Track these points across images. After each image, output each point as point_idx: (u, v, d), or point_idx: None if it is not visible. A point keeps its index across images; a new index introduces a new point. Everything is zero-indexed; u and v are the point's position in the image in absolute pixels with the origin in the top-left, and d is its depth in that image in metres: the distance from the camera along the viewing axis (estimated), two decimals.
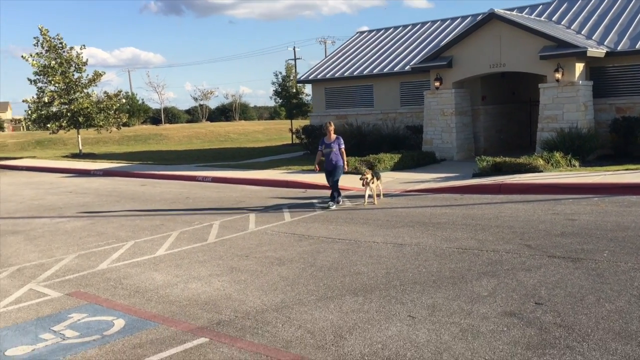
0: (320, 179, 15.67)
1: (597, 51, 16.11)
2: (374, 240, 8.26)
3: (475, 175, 13.80)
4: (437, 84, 18.81)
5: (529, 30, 16.55)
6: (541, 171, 13.24)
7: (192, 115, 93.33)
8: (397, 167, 16.67)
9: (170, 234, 9.82)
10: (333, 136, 11.52)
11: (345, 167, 11.66)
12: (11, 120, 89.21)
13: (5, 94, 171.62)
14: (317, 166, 12.14)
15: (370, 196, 11.58)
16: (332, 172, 11.45)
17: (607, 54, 16.41)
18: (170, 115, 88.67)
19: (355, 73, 22.95)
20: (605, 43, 17.00)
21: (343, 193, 12.32)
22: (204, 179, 18.11)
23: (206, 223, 10.62)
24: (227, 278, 6.85)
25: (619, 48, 16.54)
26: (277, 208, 11.84)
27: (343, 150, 11.49)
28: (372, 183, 11.31)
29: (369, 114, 22.76)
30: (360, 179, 11.40)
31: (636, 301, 5.08)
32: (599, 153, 16.02)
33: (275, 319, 5.35)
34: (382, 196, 12.09)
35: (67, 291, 6.73)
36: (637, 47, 16.15)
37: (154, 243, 9.15)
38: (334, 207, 11.31)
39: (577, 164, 14.35)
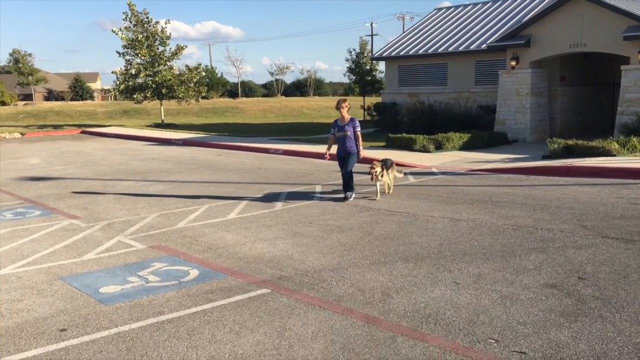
0: (387, 154, 15.98)
1: None
2: (432, 215, 8.59)
3: (544, 157, 13.64)
4: (513, 63, 18.46)
5: (613, 9, 15.88)
6: (614, 155, 12.90)
7: (268, 90, 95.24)
8: (465, 147, 16.67)
9: (242, 200, 10.56)
10: (347, 117, 9.93)
11: (361, 153, 10.05)
12: (101, 90, 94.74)
13: (94, 65, 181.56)
14: (328, 153, 10.38)
15: (382, 187, 10.30)
16: (345, 160, 9.97)
17: None
18: (247, 89, 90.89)
19: (430, 51, 22.82)
20: None
21: (411, 170, 12.45)
22: (276, 152, 18.87)
23: (275, 192, 11.28)
24: (290, 241, 7.45)
25: None
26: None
27: (359, 133, 9.96)
28: (383, 176, 10.03)
29: (442, 93, 22.64)
30: (369, 172, 9.96)
31: None
32: None
33: (331, 277, 5.87)
34: (392, 188, 10.55)
35: (150, 244, 7.57)
36: None
37: (226, 208, 9.90)
38: (351, 198, 10.02)
39: None
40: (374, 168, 9.81)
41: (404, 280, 5.68)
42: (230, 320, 4.85)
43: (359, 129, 9.96)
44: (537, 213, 8.33)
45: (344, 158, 9.98)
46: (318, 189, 11.51)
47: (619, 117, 15.93)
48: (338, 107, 9.98)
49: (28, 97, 74.14)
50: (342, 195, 10.22)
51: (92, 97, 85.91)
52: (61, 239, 7.92)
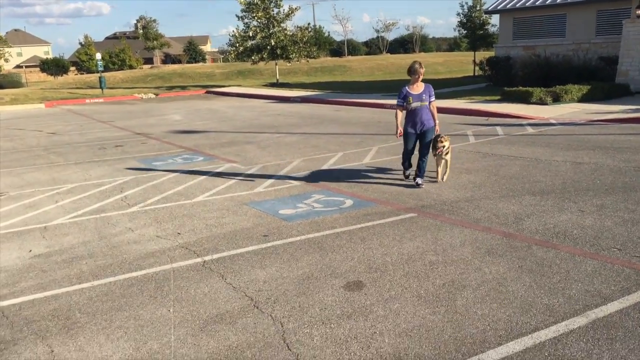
0: (503, 107, 16.48)
1: None
2: (553, 159, 9.33)
3: None
4: (638, 11, 17.87)
5: None
6: None
7: (370, 48, 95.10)
8: (584, 99, 16.69)
9: (371, 148, 11.80)
10: (421, 84, 8.05)
11: (437, 128, 8.29)
12: (217, 51, 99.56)
13: (202, 28, 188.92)
14: (400, 129, 8.27)
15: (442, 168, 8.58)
16: (423, 137, 8.16)
17: None
18: (350, 48, 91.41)
19: (548, 1, 22.40)
20: None
21: (528, 122, 12.91)
22: (391, 107, 19.84)
23: (399, 142, 12.38)
24: (421, 181, 8.59)
25: None
26: (462, 132, 13.18)
27: (435, 104, 8.20)
28: (448, 154, 8.40)
29: (559, 45, 22.25)
30: (437, 147, 8.20)
31: None
32: None
33: (467, 206, 6.97)
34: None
35: (305, 181, 9.04)
36: None
37: (359, 154, 11.19)
38: (422, 184, 8.25)
39: None
40: (442, 142, 8.17)
41: (533, 208, 6.66)
42: (390, 232, 6.14)
43: (434, 98, 8.20)
44: None
45: (423, 134, 8.13)
46: None
47: None
48: (414, 72, 7.95)
49: (149, 61, 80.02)
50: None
51: (204, 60, 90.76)
52: (231, 177, 9.62)
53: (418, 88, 8.06)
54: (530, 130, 12.82)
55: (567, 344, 3.62)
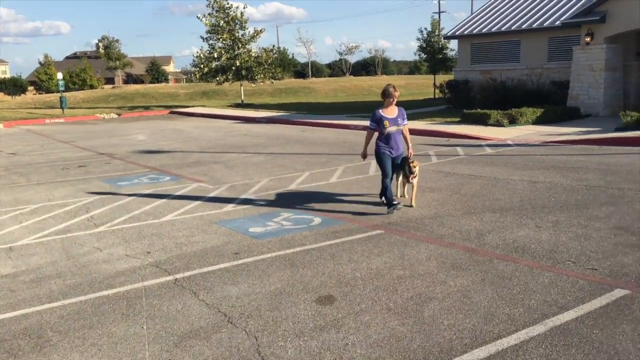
0: (463, 129, 17.04)
1: None
2: (511, 178, 9.74)
3: (617, 130, 14.30)
4: (587, 39, 18.87)
5: None
6: None
7: (333, 70, 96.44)
8: (538, 121, 17.43)
9: (337, 168, 12.03)
10: (395, 108, 7.82)
11: (411, 151, 8.15)
12: (179, 72, 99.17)
13: (164, 49, 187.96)
14: (366, 152, 8.24)
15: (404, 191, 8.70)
16: (395, 162, 8.00)
17: None
18: (314, 70, 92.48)
19: (503, 28, 23.37)
20: None
21: (487, 142, 13.36)
22: (355, 128, 20.25)
23: (365, 161, 12.62)
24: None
25: None
26: (425, 152, 13.58)
27: (407, 127, 8.01)
28: (415, 178, 8.14)
29: (514, 70, 23.19)
30: (412, 172, 8.02)
31: None
32: None
33: (431, 222, 7.24)
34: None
35: (273, 200, 9.16)
36: None
37: (326, 174, 11.40)
38: (396, 209, 7.86)
39: None
40: (415, 166, 8.04)
41: (493, 224, 6.97)
42: (359, 249, 6.33)
43: (407, 121, 7.98)
44: (608, 176, 9.33)
45: (395, 159, 7.95)
46: None
47: None
48: (389, 95, 7.73)
49: (110, 81, 78.98)
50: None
51: (167, 80, 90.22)
52: (199, 197, 9.66)
53: (393, 111, 7.83)
54: (488, 150, 13.32)
55: (527, 351, 3.85)
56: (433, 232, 6.82)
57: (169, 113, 33.72)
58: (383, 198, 8.21)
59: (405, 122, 7.94)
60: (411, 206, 8.13)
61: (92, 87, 63.07)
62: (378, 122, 7.84)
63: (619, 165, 10.29)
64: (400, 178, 8.51)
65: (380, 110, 7.85)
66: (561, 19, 20.60)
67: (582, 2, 21.58)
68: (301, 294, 5.06)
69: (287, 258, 6.11)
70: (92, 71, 67.38)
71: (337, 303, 4.83)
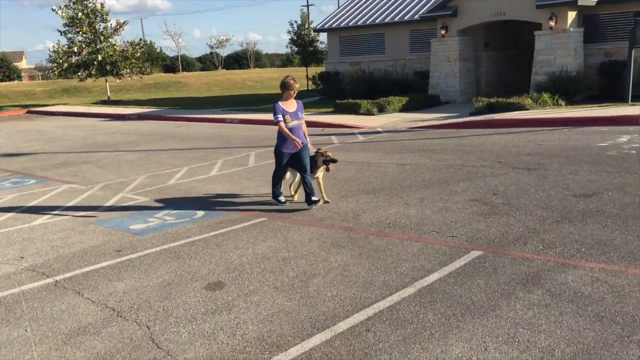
0: (336, 119, 17.79)
1: (588, 0, 17.69)
2: (382, 162, 10.47)
3: (472, 114, 15.82)
4: (443, 32, 20.51)
5: None
6: (528, 109, 15.25)
7: (204, 64, 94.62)
8: (404, 109, 18.69)
9: (216, 161, 12.07)
10: (294, 101, 7.64)
11: (310, 146, 7.86)
12: (34, 69, 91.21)
13: (15, 44, 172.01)
14: (298, 140, 7.47)
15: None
16: (301, 157, 7.60)
17: (598, 2, 17.96)
18: (184, 64, 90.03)
19: (368, 22, 24.57)
20: None
21: (359, 130, 14.10)
22: (232, 121, 20.27)
23: (243, 154, 12.84)
24: (270, 187, 9.09)
25: None
26: None
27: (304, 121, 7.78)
28: (321, 172, 7.91)
29: (381, 61, 24.54)
30: (326, 161, 7.80)
31: (562, 190, 7.33)
32: (587, 94, 17.84)
33: (312, 207, 7.62)
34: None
35: (152, 197, 9.04)
36: None
37: (205, 168, 11.40)
38: (318, 200, 7.62)
39: (563, 103, 16.28)
40: (327, 154, 7.84)
41: (368, 205, 7.52)
42: (244, 236, 6.53)
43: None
44: (464, 155, 10.38)
45: (299, 153, 7.59)
46: None
47: (533, 77, 18.35)
48: (288, 87, 7.47)
49: None
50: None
51: (20, 77, 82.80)
52: (70, 198, 9.24)
53: (292, 105, 7.58)
54: (361, 138, 14.10)
55: (400, 310, 4.33)
56: (314, 216, 7.20)
57: (27, 113, 31.15)
58: (279, 197, 7.87)
59: (303, 115, 7.73)
60: (328, 202, 7.74)
61: None
62: (280, 114, 7.47)
63: (472, 145, 11.47)
64: (319, 173, 7.86)
65: (280, 104, 7.52)
66: (419, 13, 22.15)
67: None
68: (190, 283, 5.17)
69: (173, 251, 6.15)
70: None
71: (226, 288, 5.01)
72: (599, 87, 18.14)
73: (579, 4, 17.28)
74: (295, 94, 7.56)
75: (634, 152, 9.63)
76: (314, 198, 7.55)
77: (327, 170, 7.94)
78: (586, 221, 6.11)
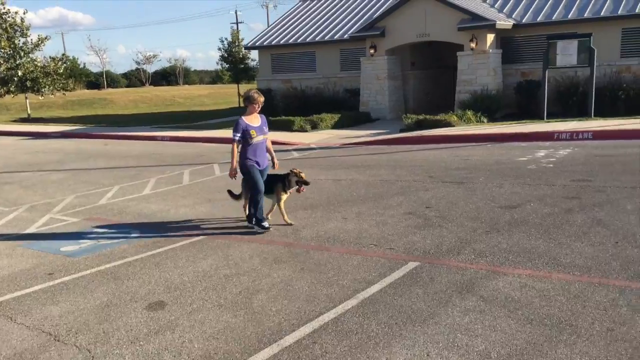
0: (270, 136, 17.81)
1: (505, 23, 18.87)
2: (319, 178, 10.63)
3: (401, 131, 16.38)
4: (372, 51, 21.15)
5: (449, 4, 19.06)
6: (454, 126, 16.00)
7: (130, 80, 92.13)
8: (337, 126, 19.06)
9: (149, 180, 11.81)
10: (257, 116, 7.31)
11: (277, 162, 7.72)
12: None
13: None
14: (235, 167, 7.23)
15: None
16: (263, 174, 7.36)
17: (514, 25, 19.21)
18: (109, 80, 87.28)
19: (299, 40, 24.93)
20: (513, 16, 19.79)
21: (294, 147, 14.21)
22: (163, 139, 19.88)
23: (177, 172, 12.65)
24: (207, 205, 9.05)
25: (523, 20, 19.37)
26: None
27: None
28: (290, 193, 7.62)
29: (312, 79, 24.92)
30: (299, 182, 7.51)
31: (489, 202, 7.76)
32: (506, 111, 18.94)
33: (251, 225, 7.63)
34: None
35: (83, 217, 8.73)
36: (538, 20, 19.04)
37: (138, 186, 11.13)
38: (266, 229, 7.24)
39: (485, 120, 17.20)
40: (303, 175, 7.59)
41: (306, 220, 7.63)
42: (183, 255, 6.45)
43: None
44: (397, 170, 10.75)
45: (263, 171, 7.34)
46: (216, 166, 13.08)
47: (457, 95, 19.27)
48: (253, 101, 7.13)
49: None
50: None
51: None
52: None
53: (257, 120, 7.23)
54: (295, 154, 14.24)
55: (344, 321, 4.44)
56: (253, 233, 7.21)
57: None
58: (253, 220, 7.31)
59: (267, 130, 7.42)
60: (291, 224, 7.40)
61: None
62: (244, 133, 7.08)
63: (403, 160, 11.89)
64: (283, 195, 7.49)
65: (244, 119, 7.12)
66: (349, 33, 22.74)
67: (366, 17, 24.08)
68: (130, 304, 5.05)
69: (109, 272, 5.98)
70: None
71: (168, 307, 4.94)
72: (517, 105, 19.29)
73: (497, 27, 18.39)
74: (259, 108, 7.23)
75: (551, 165, 10.34)
76: (264, 224, 7.24)
77: (298, 191, 7.59)
78: (512, 231, 6.51)
